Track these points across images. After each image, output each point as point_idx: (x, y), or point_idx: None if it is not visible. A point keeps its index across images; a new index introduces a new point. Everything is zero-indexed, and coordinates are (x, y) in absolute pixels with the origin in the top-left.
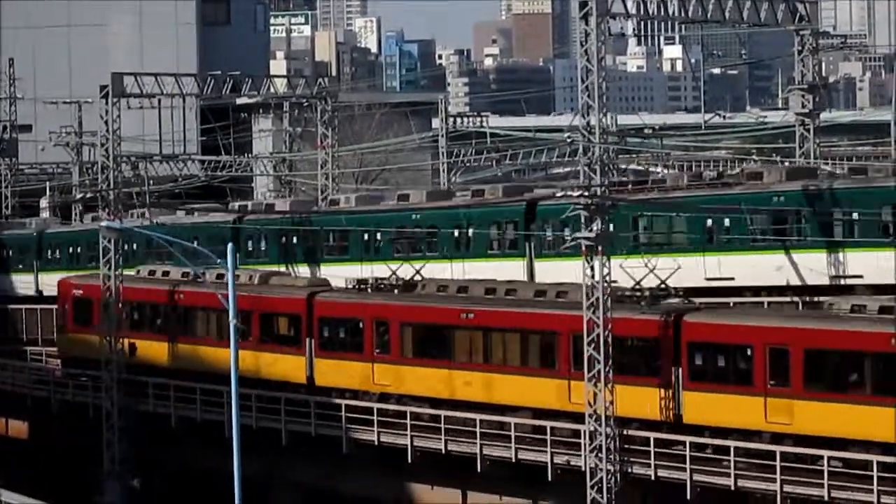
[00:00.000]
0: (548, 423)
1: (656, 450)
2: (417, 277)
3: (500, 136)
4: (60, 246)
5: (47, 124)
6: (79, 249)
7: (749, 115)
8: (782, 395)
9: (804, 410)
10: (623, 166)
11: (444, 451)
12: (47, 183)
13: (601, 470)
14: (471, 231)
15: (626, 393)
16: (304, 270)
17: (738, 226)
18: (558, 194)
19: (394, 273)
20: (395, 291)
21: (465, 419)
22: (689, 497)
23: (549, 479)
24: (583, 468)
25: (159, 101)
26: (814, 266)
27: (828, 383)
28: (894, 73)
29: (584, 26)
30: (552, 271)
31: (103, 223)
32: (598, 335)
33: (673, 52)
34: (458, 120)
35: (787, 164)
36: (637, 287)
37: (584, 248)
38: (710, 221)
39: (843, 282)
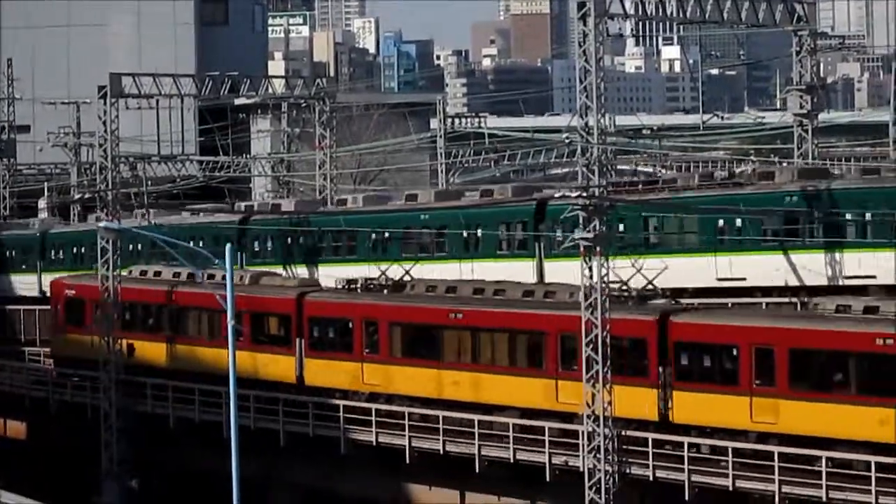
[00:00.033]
0: (546, 424)
1: (653, 450)
2: (407, 278)
3: (499, 136)
4: (64, 246)
5: (45, 125)
6: (83, 250)
7: (747, 116)
8: (768, 395)
9: (789, 410)
10: (632, 167)
11: (441, 452)
12: (45, 184)
13: (599, 470)
14: (479, 231)
15: (615, 392)
16: (311, 271)
17: (751, 225)
18: (569, 194)
19: (383, 273)
20: (385, 291)
21: (460, 420)
22: (687, 498)
23: (548, 479)
24: (581, 469)
25: (157, 101)
26: (825, 267)
27: (813, 383)
28: (893, 74)
29: (582, 27)
30: (562, 271)
31: (101, 224)
32: (596, 336)
33: (671, 52)
34: (457, 120)
35: (797, 164)
36: (623, 287)
37: (582, 248)
38: (721, 222)
39: (855, 282)
